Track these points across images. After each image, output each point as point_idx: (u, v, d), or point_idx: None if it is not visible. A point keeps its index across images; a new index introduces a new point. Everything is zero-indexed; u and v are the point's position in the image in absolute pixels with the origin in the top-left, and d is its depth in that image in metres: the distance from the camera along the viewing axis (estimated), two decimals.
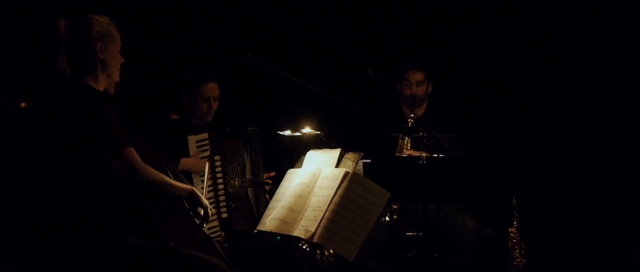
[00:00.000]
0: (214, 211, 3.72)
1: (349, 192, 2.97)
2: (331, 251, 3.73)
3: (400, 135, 4.37)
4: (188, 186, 2.88)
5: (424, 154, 3.77)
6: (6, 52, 4.14)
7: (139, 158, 2.68)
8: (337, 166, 3.17)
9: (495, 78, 5.07)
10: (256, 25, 4.99)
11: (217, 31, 4.94)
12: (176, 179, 2.95)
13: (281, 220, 3.10)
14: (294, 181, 3.25)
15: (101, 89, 2.79)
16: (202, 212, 2.92)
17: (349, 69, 4.94)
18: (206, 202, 2.92)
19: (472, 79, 5.11)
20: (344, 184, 3.00)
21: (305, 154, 3.38)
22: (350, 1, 5.11)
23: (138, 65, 3.25)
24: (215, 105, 4.09)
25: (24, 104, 3.68)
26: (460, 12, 5.05)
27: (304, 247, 3.84)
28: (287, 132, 3.94)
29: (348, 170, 3.05)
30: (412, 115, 4.35)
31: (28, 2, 4.26)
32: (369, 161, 3.60)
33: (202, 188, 3.38)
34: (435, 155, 3.77)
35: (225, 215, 3.96)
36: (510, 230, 4.16)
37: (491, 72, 5.08)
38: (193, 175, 3.88)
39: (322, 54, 5.10)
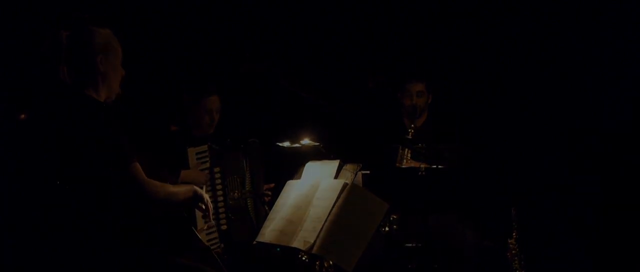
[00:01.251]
0: (213, 222, 3.73)
1: (348, 204, 2.98)
2: (330, 262, 3.73)
3: (401, 146, 4.38)
4: (188, 186, 2.90)
5: (423, 165, 3.77)
6: (6, 58, 4.14)
7: (143, 174, 2.68)
8: (336, 177, 3.18)
9: (495, 87, 5.08)
10: (256, 34, 5.01)
11: (217, 40, 4.96)
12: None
13: (280, 231, 3.11)
14: (293, 192, 3.26)
15: (102, 99, 2.80)
16: (203, 207, 2.94)
17: (348, 80, 4.96)
18: (207, 196, 2.93)
19: (471, 89, 5.12)
20: (343, 195, 3.01)
21: (304, 165, 3.38)
22: (350, 14, 5.13)
23: (138, 77, 3.26)
24: (217, 117, 4.11)
25: (23, 115, 3.69)
26: (461, 15, 5.07)
27: (303, 258, 3.84)
28: (286, 144, 3.95)
29: (347, 181, 3.06)
30: (413, 125, 4.36)
31: (30, 6, 4.27)
32: (368, 172, 3.60)
33: None
34: (435, 166, 3.78)
35: (224, 227, 3.96)
36: (509, 241, 4.16)
37: (491, 81, 5.09)
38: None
39: (322, 63, 5.12)
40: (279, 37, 5.05)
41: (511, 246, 4.14)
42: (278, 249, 3.68)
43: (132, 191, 2.67)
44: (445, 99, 4.85)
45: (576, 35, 4.87)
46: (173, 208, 2.93)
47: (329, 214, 2.98)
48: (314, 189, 3.14)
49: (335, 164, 3.23)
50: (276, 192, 3.68)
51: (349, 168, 3.19)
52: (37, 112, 3.27)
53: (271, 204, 3.64)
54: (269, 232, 3.17)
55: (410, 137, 4.33)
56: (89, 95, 2.75)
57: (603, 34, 4.80)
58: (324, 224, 2.96)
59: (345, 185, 3.03)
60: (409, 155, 4.37)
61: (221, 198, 3.97)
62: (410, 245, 4.29)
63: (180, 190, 2.85)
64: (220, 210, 3.96)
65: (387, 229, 4.17)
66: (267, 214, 3.53)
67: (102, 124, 2.65)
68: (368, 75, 4.72)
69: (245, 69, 3.32)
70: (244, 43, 4.97)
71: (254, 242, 3.28)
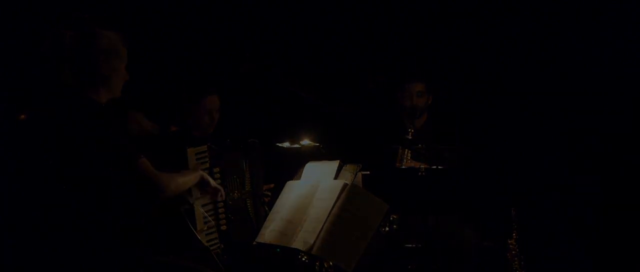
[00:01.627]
0: (213, 223, 3.73)
1: (348, 204, 2.98)
2: (330, 263, 3.73)
3: (401, 146, 4.38)
4: (195, 173, 2.97)
5: (423, 166, 3.77)
6: (6, 58, 4.14)
7: (153, 168, 2.69)
8: (336, 177, 3.18)
9: (495, 87, 5.08)
10: (256, 34, 5.01)
11: (217, 40, 4.96)
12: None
13: (280, 232, 3.11)
14: (293, 193, 3.26)
15: (102, 101, 2.80)
16: (209, 190, 2.96)
17: (348, 80, 4.96)
18: (214, 182, 2.94)
19: (471, 89, 5.12)
20: (343, 195, 3.01)
21: (304, 166, 3.38)
22: (350, 14, 5.14)
23: (138, 77, 3.26)
24: (216, 117, 4.11)
25: (23, 115, 3.68)
26: (461, 17, 5.07)
27: (303, 259, 3.84)
28: (286, 144, 3.94)
29: (347, 182, 3.06)
30: (412, 126, 4.36)
31: (30, 6, 4.26)
32: (368, 172, 3.61)
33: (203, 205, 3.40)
34: (435, 166, 3.78)
35: (224, 227, 3.96)
36: (509, 242, 4.16)
37: (491, 81, 5.09)
38: (192, 187, 3.87)
39: (322, 63, 5.12)
40: (279, 37, 5.05)
41: (511, 246, 4.14)
42: (278, 249, 3.69)
43: (144, 186, 2.67)
44: (445, 99, 4.85)
45: (576, 35, 4.87)
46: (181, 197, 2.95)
47: (329, 214, 2.98)
48: (314, 190, 3.14)
49: (335, 164, 3.23)
50: (276, 192, 3.68)
51: (348, 168, 3.19)
52: (37, 112, 3.27)
53: (271, 204, 3.64)
54: (268, 233, 3.17)
55: (410, 137, 4.33)
56: (90, 97, 2.75)
57: (603, 34, 4.80)
58: (324, 224, 2.96)
59: (345, 185, 3.03)
60: (409, 155, 4.37)
61: (221, 198, 3.96)
62: (410, 245, 4.29)
63: (188, 178, 2.91)
64: (220, 210, 3.96)
65: (387, 229, 4.18)
66: (266, 215, 3.53)
67: (102, 125, 2.65)
68: (368, 75, 4.71)
69: (245, 69, 3.32)
70: (244, 43, 4.97)
71: (254, 243, 3.28)
